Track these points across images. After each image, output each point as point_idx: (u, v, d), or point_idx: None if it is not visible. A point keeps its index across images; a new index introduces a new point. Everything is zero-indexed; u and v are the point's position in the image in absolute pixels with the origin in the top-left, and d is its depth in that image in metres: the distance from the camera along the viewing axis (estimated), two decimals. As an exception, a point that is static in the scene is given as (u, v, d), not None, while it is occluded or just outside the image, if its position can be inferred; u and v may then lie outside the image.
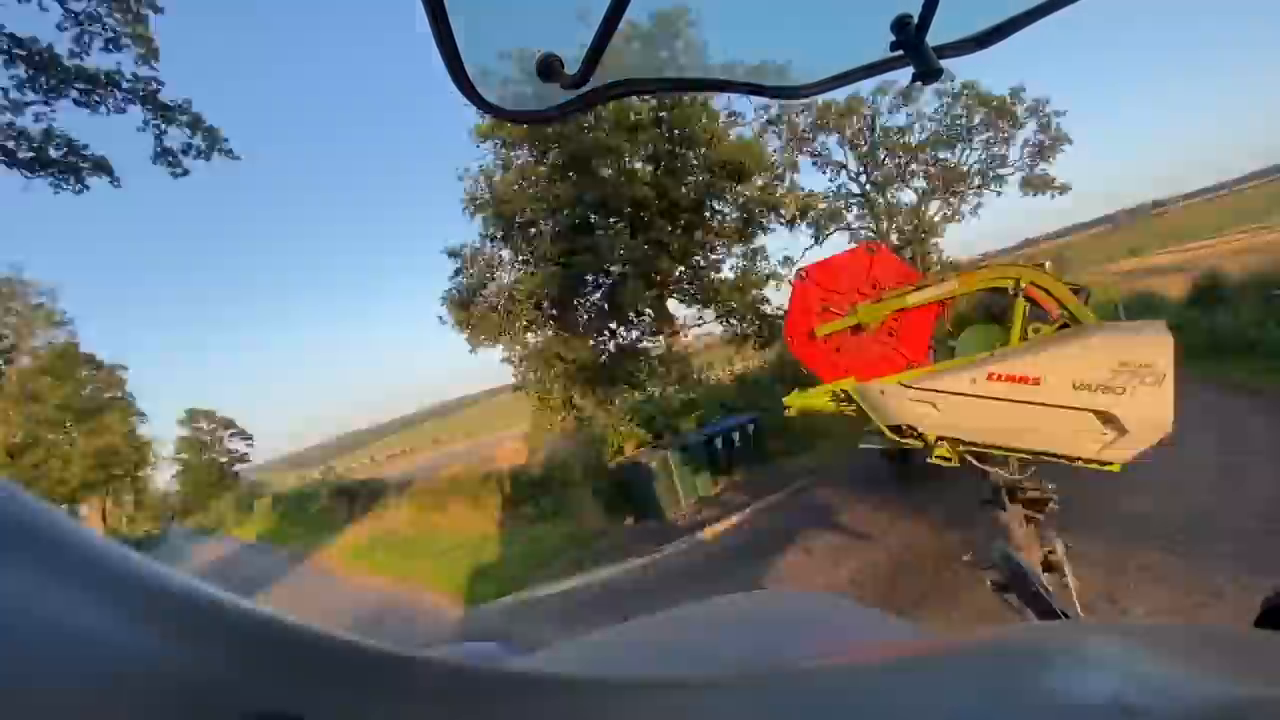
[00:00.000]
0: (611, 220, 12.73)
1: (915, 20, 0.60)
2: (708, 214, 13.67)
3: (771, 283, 14.69)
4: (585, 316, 13.57)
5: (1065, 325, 3.32)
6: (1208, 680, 0.27)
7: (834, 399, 3.98)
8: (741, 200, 14.04)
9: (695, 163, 13.34)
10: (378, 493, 15.94)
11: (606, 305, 13.15)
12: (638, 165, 12.85)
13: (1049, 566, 3.12)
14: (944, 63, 0.61)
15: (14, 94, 9.34)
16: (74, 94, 9.65)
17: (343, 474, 23.18)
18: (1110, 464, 3.02)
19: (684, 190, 12.87)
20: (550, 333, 13.43)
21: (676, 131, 12.78)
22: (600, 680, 0.27)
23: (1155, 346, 2.77)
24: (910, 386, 3.40)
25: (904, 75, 0.62)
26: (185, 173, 10.78)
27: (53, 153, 9.76)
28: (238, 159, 11.24)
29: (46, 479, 24.14)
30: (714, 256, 14.35)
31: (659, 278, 13.01)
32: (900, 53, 0.61)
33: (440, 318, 14.09)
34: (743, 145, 14.13)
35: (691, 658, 0.57)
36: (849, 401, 3.88)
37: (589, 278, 12.80)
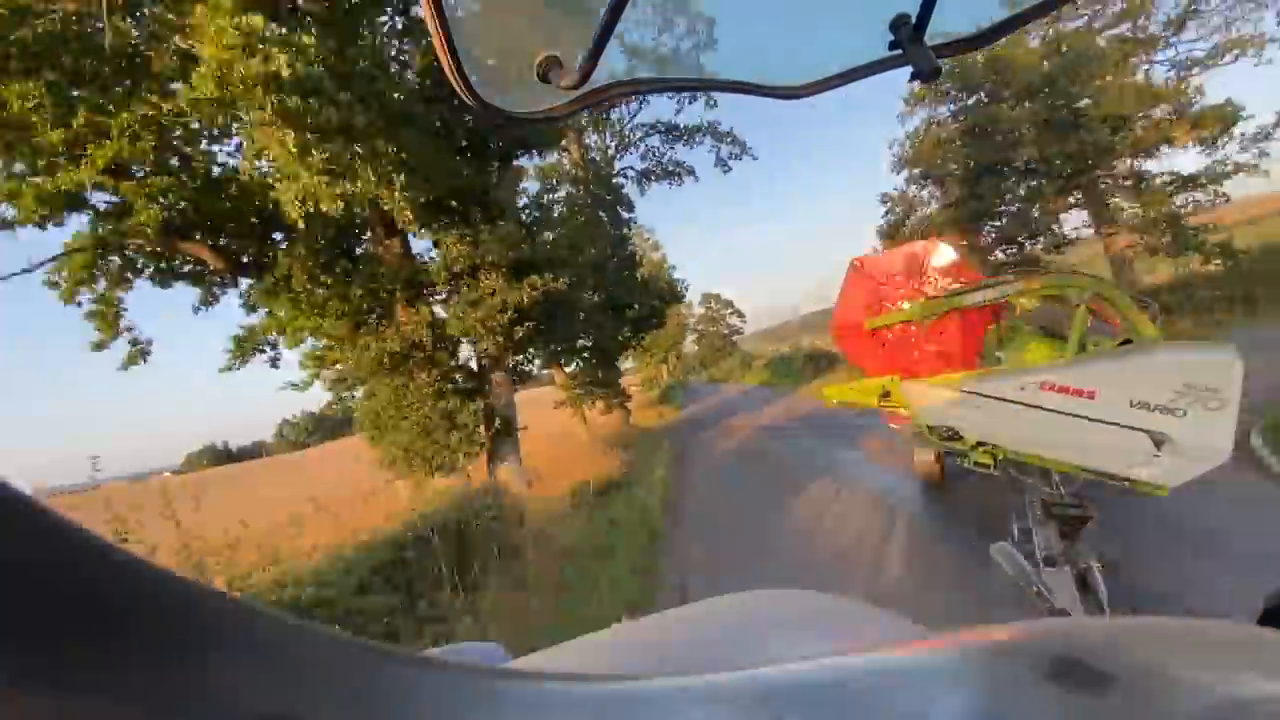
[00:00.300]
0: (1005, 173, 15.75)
1: (913, 20, 0.60)
2: (1098, 172, 15.32)
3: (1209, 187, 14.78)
4: (987, 240, 17.25)
5: (1127, 341, 3.20)
6: (1211, 678, 0.27)
7: (877, 394, 3.88)
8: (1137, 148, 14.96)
9: (1083, 121, 14.55)
10: (836, 359, 22.82)
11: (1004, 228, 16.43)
12: (1024, 131, 14.98)
13: (1083, 584, 2.95)
14: (942, 61, 0.61)
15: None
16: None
17: (807, 347, 31.54)
18: (1159, 488, 2.89)
19: (1069, 153, 14.53)
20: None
21: (1061, 100, 14.54)
22: (601, 679, 0.27)
23: (1223, 370, 2.64)
24: (956, 389, 3.32)
25: (903, 74, 0.63)
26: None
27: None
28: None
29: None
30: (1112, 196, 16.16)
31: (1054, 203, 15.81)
32: (899, 52, 0.61)
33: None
34: (1138, 88, 14.27)
35: (693, 657, 0.57)
36: (889, 397, 3.80)
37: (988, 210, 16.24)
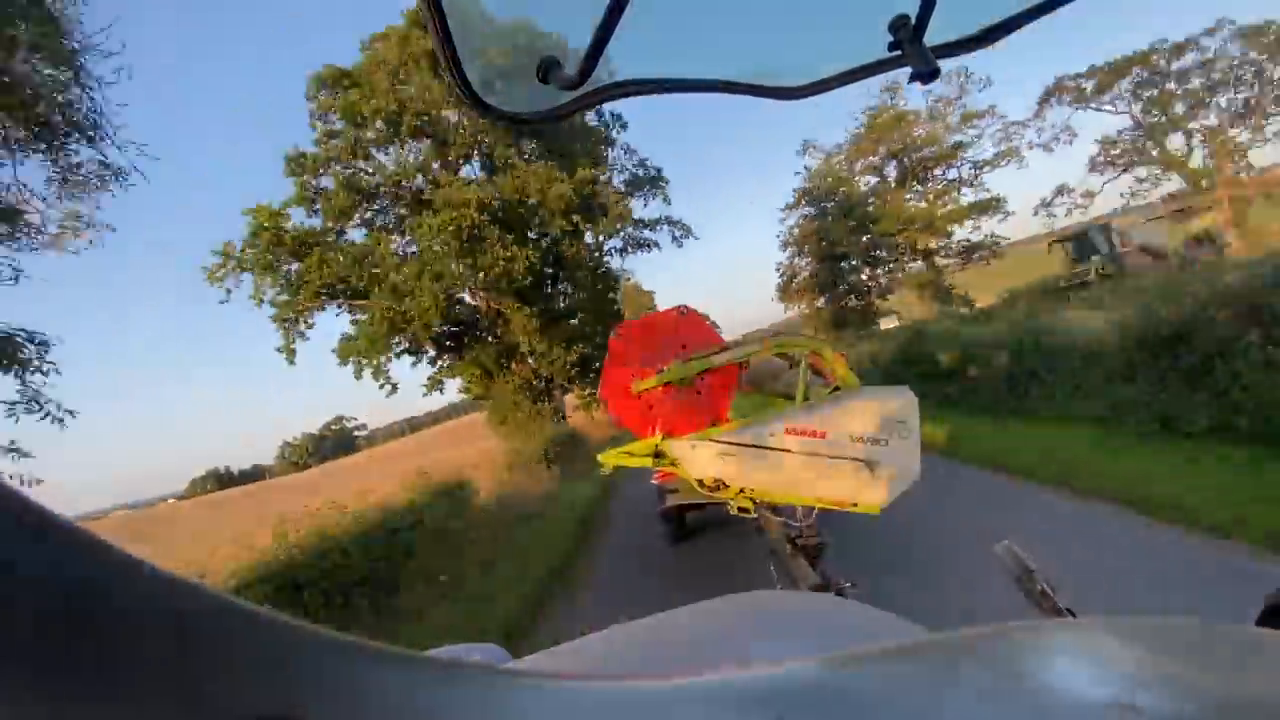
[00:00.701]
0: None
1: (913, 21, 0.60)
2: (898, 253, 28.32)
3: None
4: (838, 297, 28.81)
5: (836, 388, 3.76)
6: (1210, 678, 0.27)
7: (649, 455, 4.34)
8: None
9: (871, 228, 27.59)
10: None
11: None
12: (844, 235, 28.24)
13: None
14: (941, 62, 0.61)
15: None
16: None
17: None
18: (873, 508, 3.44)
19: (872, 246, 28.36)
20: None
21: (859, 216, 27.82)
22: (600, 680, 0.27)
23: (907, 405, 3.32)
24: (718, 440, 3.76)
25: (903, 75, 0.63)
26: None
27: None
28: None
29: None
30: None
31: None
32: (899, 53, 0.61)
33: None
34: (900, 208, 27.79)
35: (692, 657, 0.57)
36: (662, 457, 4.24)
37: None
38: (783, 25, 0.71)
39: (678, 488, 4.67)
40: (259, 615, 0.19)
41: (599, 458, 4.73)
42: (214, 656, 0.17)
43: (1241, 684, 0.26)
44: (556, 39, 0.55)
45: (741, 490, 3.93)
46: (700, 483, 4.08)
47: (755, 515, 4.23)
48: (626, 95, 0.61)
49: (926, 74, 0.60)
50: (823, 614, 0.65)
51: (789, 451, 3.55)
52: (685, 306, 4.87)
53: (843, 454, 3.43)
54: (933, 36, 0.61)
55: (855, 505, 3.52)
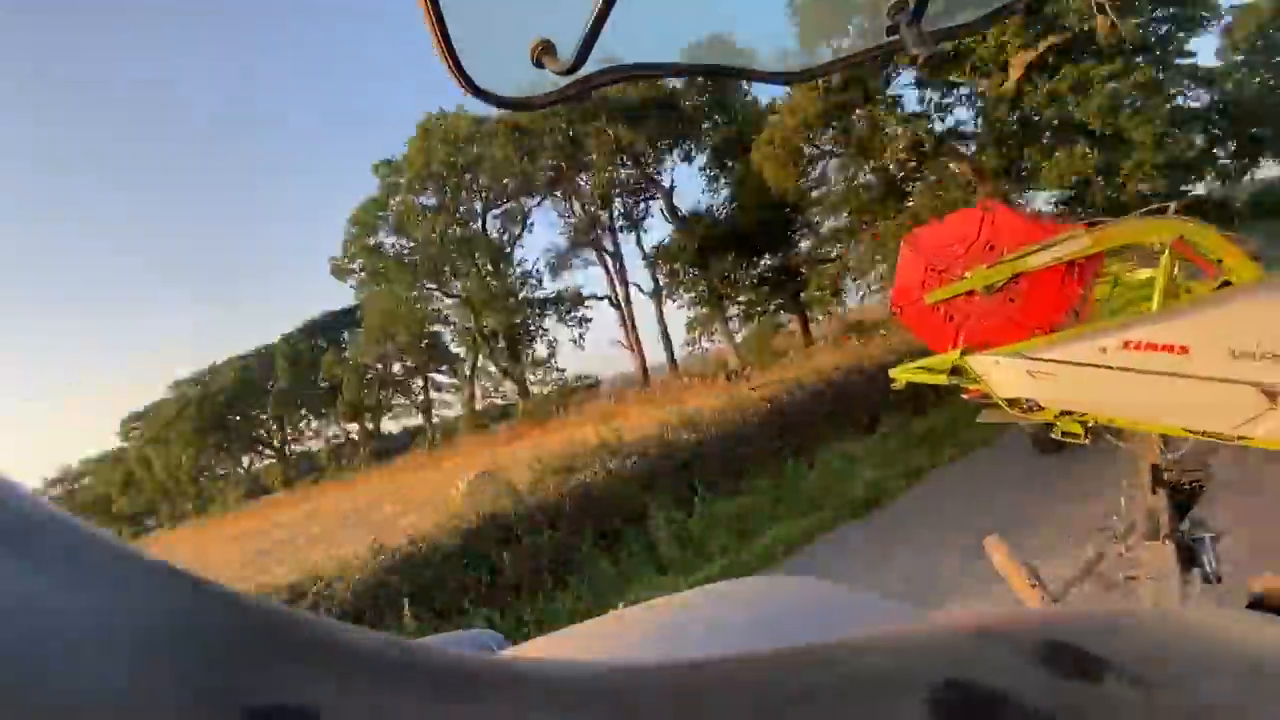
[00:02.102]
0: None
1: (911, 4, 0.59)
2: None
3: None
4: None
5: (1226, 284, 2.91)
6: (1199, 666, 0.27)
7: (946, 371, 3.53)
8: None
9: None
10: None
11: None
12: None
13: (1189, 558, 2.71)
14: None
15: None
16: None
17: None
18: (1273, 443, 2.58)
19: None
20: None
21: None
22: (599, 667, 0.27)
23: None
24: (1027, 357, 3.06)
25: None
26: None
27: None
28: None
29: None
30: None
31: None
32: (897, 36, 0.61)
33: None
34: None
35: (692, 644, 0.57)
36: (962, 374, 3.46)
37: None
38: (780, 9, 0.70)
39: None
40: (254, 603, 0.19)
41: (891, 373, 4.13)
42: (210, 647, 0.17)
43: (1232, 670, 0.27)
44: (551, 23, 0.54)
45: (1066, 413, 3.22)
46: (1009, 402, 3.35)
47: (1087, 442, 3.30)
48: (623, 79, 0.60)
49: (924, 58, 0.59)
50: (821, 600, 0.65)
51: (1132, 371, 2.75)
52: (991, 201, 4.13)
53: (1219, 375, 2.58)
54: (931, 20, 0.60)
55: (1242, 440, 2.65)
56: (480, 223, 28.44)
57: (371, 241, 28.99)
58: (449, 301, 29.69)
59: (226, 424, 38.63)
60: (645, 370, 28.08)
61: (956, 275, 3.78)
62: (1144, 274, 3.66)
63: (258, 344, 39.09)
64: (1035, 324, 3.59)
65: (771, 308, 26.58)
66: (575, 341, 30.13)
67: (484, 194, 27.74)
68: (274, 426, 40.17)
